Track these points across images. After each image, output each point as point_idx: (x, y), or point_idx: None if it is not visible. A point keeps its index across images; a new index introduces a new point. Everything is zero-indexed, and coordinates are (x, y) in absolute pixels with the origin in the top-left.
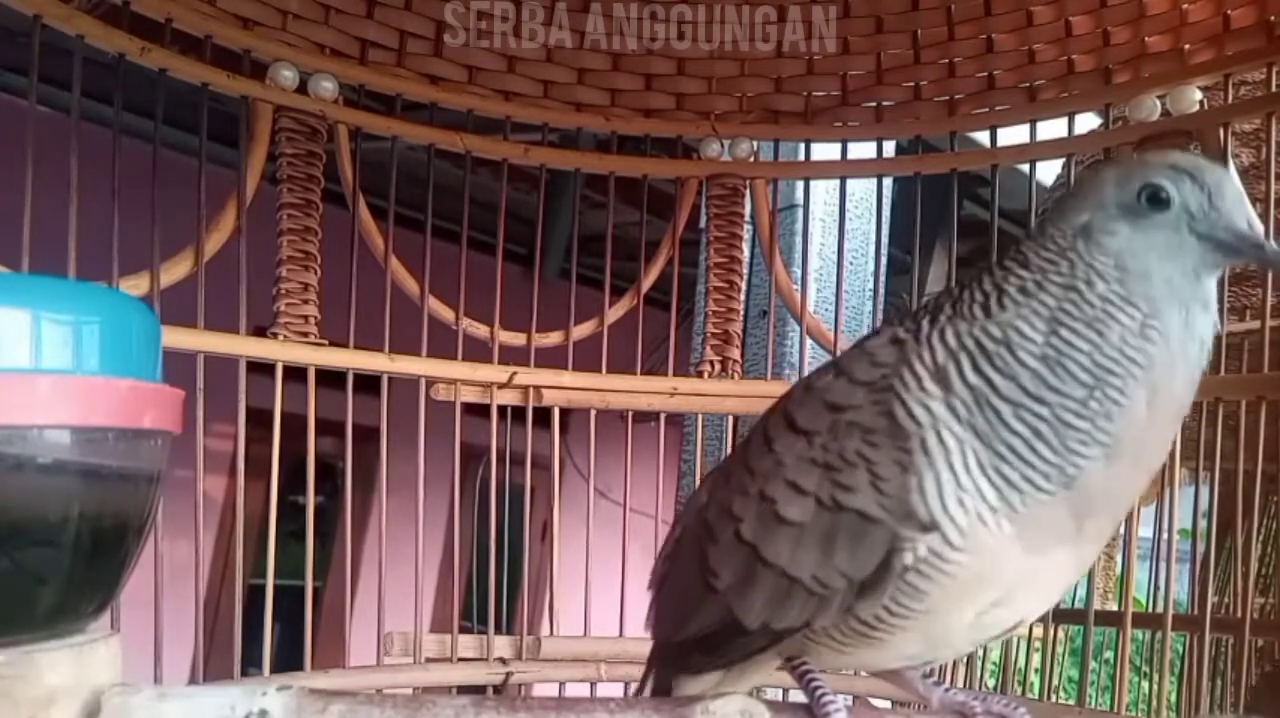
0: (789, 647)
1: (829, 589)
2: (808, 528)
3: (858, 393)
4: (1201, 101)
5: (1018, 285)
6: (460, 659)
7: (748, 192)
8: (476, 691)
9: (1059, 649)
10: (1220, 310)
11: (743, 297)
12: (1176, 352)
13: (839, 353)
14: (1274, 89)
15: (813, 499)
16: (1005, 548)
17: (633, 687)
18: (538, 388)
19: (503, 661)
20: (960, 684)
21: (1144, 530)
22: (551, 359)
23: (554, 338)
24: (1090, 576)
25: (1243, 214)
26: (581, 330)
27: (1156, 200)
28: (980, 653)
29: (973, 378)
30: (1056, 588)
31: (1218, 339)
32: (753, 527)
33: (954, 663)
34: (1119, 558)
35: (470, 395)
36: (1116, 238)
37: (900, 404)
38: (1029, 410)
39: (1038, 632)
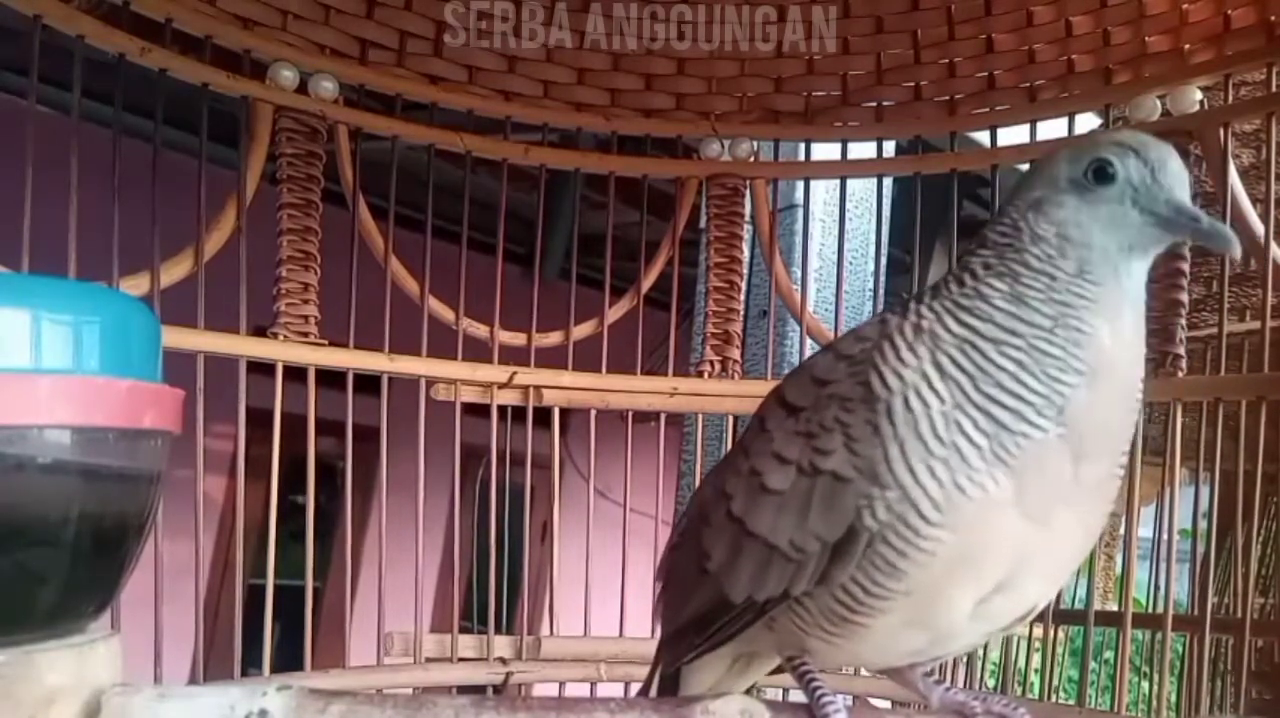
0: (785, 641)
1: (804, 554)
2: (788, 495)
3: (840, 367)
4: (1201, 101)
5: (981, 261)
6: (460, 659)
7: (748, 192)
8: (476, 691)
9: (1059, 649)
10: (1220, 310)
11: (743, 297)
12: (1114, 289)
13: None
14: (1274, 89)
15: (794, 468)
16: (996, 516)
17: (633, 687)
18: (538, 388)
19: (503, 661)
20: (960, 684)
21: (1144, 530)
22: (551, 359)
23: (554, 338)
24: (1090, 576)
25: (1183, 190)
26: (581, 330)
27: (1103, 175)
28: (980, 653)
29: (956, 327)
30: (1062, 562)
31: (1217, 339)
32: (741, 502)
33: (954, 663)
34: (1119, 558)
35: (470, 395)
36: (1063, 209)
37: (875, 373)
38: (1009, 345)
39: (1038, 632)
